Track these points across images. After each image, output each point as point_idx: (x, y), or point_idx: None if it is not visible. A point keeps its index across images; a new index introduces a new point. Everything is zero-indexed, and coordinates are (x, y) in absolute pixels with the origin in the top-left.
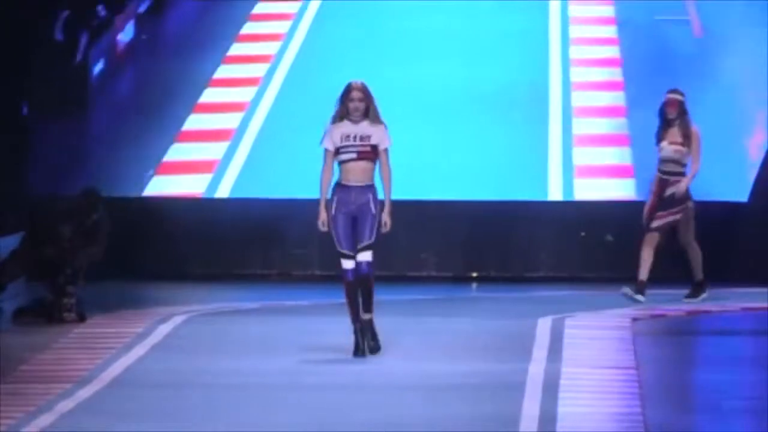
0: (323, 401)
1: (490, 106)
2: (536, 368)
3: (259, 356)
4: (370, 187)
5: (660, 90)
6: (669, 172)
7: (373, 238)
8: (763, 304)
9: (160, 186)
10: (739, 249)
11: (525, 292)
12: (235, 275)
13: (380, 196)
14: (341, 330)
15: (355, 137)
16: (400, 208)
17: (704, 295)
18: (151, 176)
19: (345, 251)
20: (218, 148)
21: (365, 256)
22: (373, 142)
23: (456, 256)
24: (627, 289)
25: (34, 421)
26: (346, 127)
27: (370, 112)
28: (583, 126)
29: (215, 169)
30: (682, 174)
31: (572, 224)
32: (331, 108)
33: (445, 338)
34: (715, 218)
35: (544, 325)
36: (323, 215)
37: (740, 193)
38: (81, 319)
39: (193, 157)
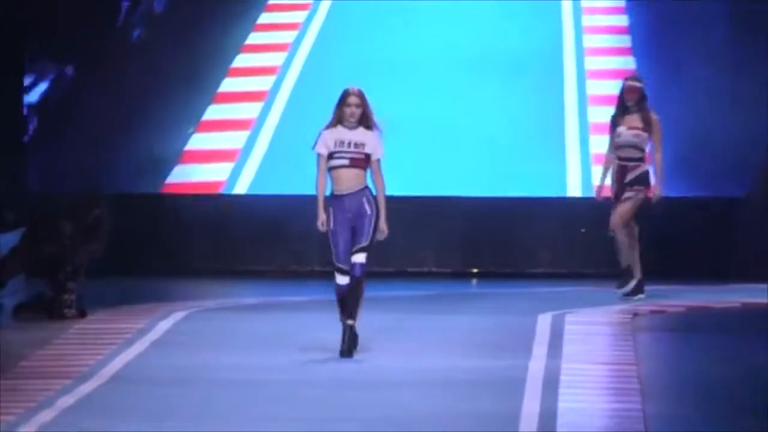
0: (324, 398)
1: (505, 81)
2: (536, 364)
3: (260, 352)
4: (363, 190)
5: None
6: (628, 158)
7: (369, 241)
8: (763, 300)
9: (182, 176)
10: (739, 245)
11: (525, 288)
12: (238, 271)
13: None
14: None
15: (349, 144)
16: (399, 204)
17: (641, 296)
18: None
19: (342, 266)
20: (239, 137)
21: (359, 258)
22: (367, 150)
23: (455, 252)
24: (625, 289)
25: (34, 417)
26: (341, 132)
27: (365, 119)
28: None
29: (237, 158)
30: (642, 160)
31: (572, 220)
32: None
33: (445, 335)
34: (715, 213)
35: (544, 322)
36: (322, 216)
37: (738, 188)
38: (81, 315)
39: (214, 147)
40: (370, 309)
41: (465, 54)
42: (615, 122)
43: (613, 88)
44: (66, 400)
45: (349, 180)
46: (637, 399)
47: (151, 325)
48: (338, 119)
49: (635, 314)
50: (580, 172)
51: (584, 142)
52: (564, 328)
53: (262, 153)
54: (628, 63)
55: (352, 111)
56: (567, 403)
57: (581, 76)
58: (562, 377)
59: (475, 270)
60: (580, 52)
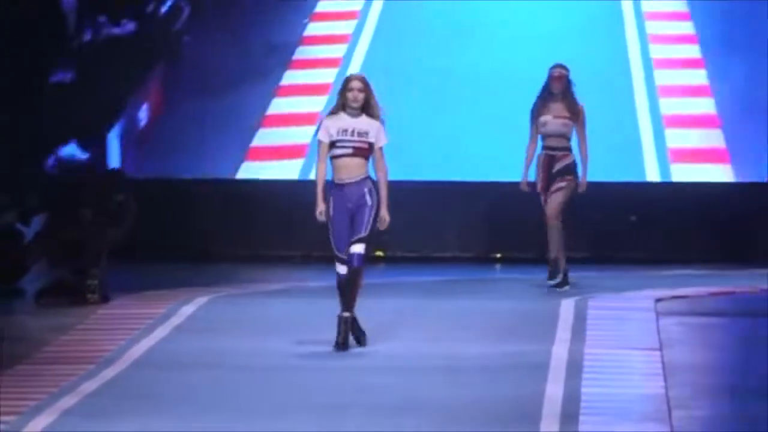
0: (346, 382)
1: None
2: (560, 349)
3: (282, 337)
4: (365, 180)
5: None
6: (555, 147)
7: (367, 231)
8: None
9: (251, 172)
10: (763, 229)
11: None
12: (262, 256)
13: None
14: (365, 311)
15: (352, 132)
16: (423, 189)
17: (566, 288)
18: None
19: (341, 255)
20: (305, 132)
21: (358, 248)
22: (370, 139)
23: (479, 236)
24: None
25: (57, 402)
26: (343, 120)
27: (368, 107)
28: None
29: (306, 154)
30: (569, 149)
31: (590, 205)
32: (408, 84)
33: (468, 319)
34: (737, 199)
35: (567, 306)
36: (321, 206)
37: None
38: (104, 300)
39: (281, 143)
40: (392, 294)
41: (528, 43)
42: (538, 111)
43: (681, 77)
44: (89, 386)
45: (352, 169)
46: (661, 383)
47: (174, 310)
48: (341, 106)
49: (659, 299)
50: (658, 166)
51: (659, 136)
52: (587, 313)
53: None
54: (693, 51)
55: (355, 95)
56: (590, 387)
57: (648, 67)
58: (586, 362)
59: (498, 255)
60: (644, 43)
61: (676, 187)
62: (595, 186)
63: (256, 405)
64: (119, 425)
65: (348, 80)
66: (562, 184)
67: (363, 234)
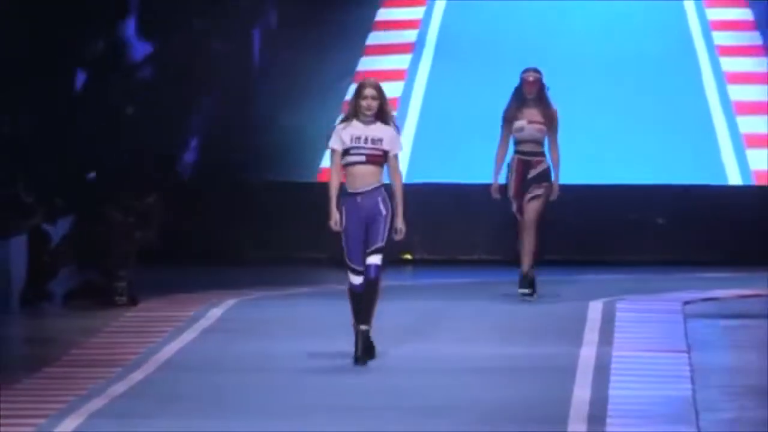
0: (374, 384)
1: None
2: (587, 351)
3: (311, 340)
4: (379, 189)
5: None
6: (530, 152)
7: (384, 242)
8: None
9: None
10: None
11: (575, 275)
12: (289, 259)
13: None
14: (393, 313)
15: (366, 139)
16: (446, 191)
17: (535, 296)
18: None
19: (354, 266)
20: None
21: (374, 260)
22: (384, 147)
23: (506, 239)
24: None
25: (85, 405)
26: (356, 128)
27: (382, 114)
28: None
29: None
30: (543, 154)
31: (620, 206)
32: (482, 86)
33: (495, 321)
34: (760, 200)
35: (595, 308)
36: (335, 215)
37: None
38: (132, 302)
39: None
40: (420, 296)
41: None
42: (510, 115)
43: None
44: (117, 388)
45: (365, 177)
46: (689, 386)
47: (203, 313)
48: (353, 113)
49: (687, 301)
50: (735, 156)
51: (732, 125)
52: (615, 315)
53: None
54: (755, 38)
55: (369, 104)
56: (618, 390)
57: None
58: (614, 364)
59: None
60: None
61: (704, 189)
62: (623, 188)
63: (285, 407)
64: (147, 428)
65: (361, 87)
66: (539, 191)
67: (380, 244)
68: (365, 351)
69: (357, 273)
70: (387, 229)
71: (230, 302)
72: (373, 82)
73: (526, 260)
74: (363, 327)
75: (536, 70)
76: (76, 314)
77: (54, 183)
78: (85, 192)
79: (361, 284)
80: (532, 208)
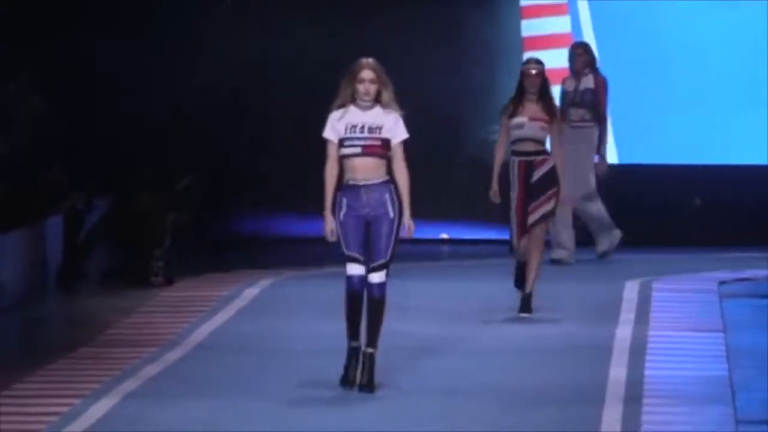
0: (407, 365)
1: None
2: (623, 331)
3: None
4: (386, 184)
5: None
6: (530, 152)
7: (389, 255)
8: None
9: None
10: None
11: (611, 255)
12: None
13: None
14: (427, 294)
15: (362, 128)
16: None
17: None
18: None
19: (352, 254)
20: None
21: (378, 277)
22: (384, 135)
23: None
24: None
25: (120, 385)
26: (353, 114)
27: (383, 97)
28: None
29: None
30: (546, 153)
31: (654, 189)
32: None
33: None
34: None
35: (631, 288)
36: (330, 223)
37: None
38: (168, 282)
39: None
40: (455, 277)
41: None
42: (511, 111)
43: None
44: (151, 369)
45: (365, 170)
46: (724, 366)
47: (238, 293)
48: (350, 97)
49: (722, 281)
50: None
51: None
52: (651, 295)
53: None
54: None
55: (367, 88)
56: (654, 370)
57: None
58: (650, 344)
59: None
60: None
61: (740, 169)
62: (659, 169)
63: (321, 389)
64: (182, 408)
65: (357, 69)
66: (548, 207)
67: (384, 260)
68: (371, 377)
69: (357, 261)
70: (394, 240)
71: (266, 282)
72: (371, 63)
73: (530, 281)
74: (369, 350)
75: (538, 62)
76: (111, 294)
77: (90, 165)
78: (120, 173)
79: (360, 280)
80: (537, 236)
